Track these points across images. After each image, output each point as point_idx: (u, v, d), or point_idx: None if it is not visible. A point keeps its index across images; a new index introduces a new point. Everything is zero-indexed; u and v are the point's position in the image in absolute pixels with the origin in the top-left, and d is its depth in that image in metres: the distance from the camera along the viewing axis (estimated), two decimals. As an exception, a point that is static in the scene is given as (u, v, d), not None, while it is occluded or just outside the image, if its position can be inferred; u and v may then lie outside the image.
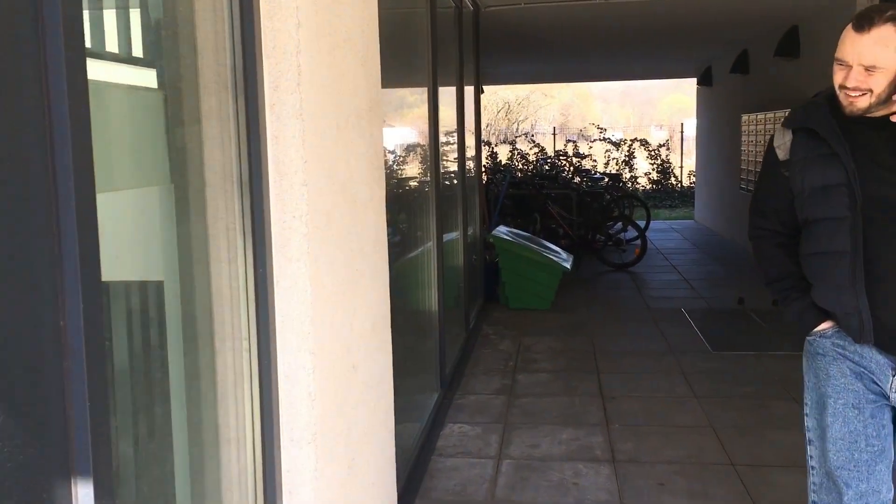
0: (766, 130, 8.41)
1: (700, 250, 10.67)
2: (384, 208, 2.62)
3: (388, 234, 2.76)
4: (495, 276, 7.42)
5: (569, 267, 7.13)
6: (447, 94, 5.68)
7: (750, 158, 9.05)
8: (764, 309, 6.86)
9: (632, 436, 4.16)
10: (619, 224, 10.41)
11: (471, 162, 7.22)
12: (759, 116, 8.72)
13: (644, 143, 18.44)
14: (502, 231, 7.47)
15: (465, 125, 6.46)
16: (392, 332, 2.70)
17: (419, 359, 4.48)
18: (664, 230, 12.77)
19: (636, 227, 9.64)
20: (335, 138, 2.10)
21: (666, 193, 18.06)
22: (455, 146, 6.18)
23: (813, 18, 7.66)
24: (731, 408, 4.51)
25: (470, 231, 6.87)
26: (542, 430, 4.27)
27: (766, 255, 2.32)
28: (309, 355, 1.90)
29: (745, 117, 9.41)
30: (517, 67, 13.16)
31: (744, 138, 9.37)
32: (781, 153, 2.21)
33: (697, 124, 14.07)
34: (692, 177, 18.30)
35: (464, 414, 4.56)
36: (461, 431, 4.30)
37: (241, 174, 1.82)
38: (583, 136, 22.13)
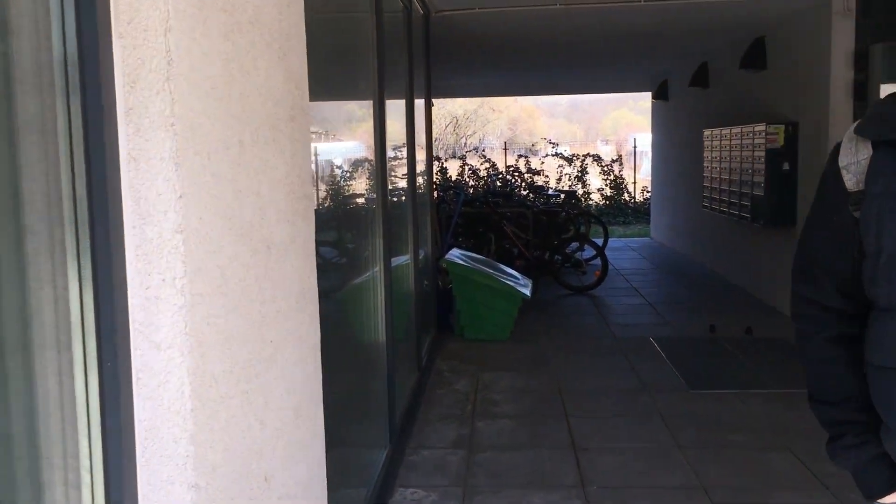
0: (731, 146, 8.01)
1: (661, 270, 10.24)
2: (313, 249, 1.99)
3: (329, 260, 2.15)
4: (449, 304, 6.82)
5: (528, 293, 6.56)
6: (395, 106, 5.08)
7: (713, 175, 8.63)
8: (737, 337, 6.39)
9: (613, 501, 3.58)
10: (576, 243, 9.93)
11: (421, 179, 6.63)
12: (723, 131, 8.31)
13: (597, 158, 18.09)
14: (455, 255, 6.88)
15: (416, 140, 5.87)
16: (332, 376, 2.07)
17: (364, 407, 3.84)
18: (621, 248, 12.34)
19: (594, 245, 9.14)
20: (236, 160, 1.47)
21: (619, 209, 17.72)
22: (404, 162, 5.58)
23: (780, 29, 7.28)
24: (722, 462, 3.97)
25: (421, 255, 6.26)
26: (508, 496, 3.66)
27: (813, 353, 1.46)
28: (188, 490, 1.26)
29: (706, 132, 9.01)
30: (469, 79, 12.65)
31: (706, 154, 8.97)
32: (850, 179, 1.34)
33: (653, 140, 13.73)
34: (646, 192, 18.02)
35: (417, 475, 3.93)
36: (414, 498, 3.67)
37: (76, 217, 1.18)
38: (532, 151, 21.80)
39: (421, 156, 6.55)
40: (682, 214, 11.22)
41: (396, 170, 5.31)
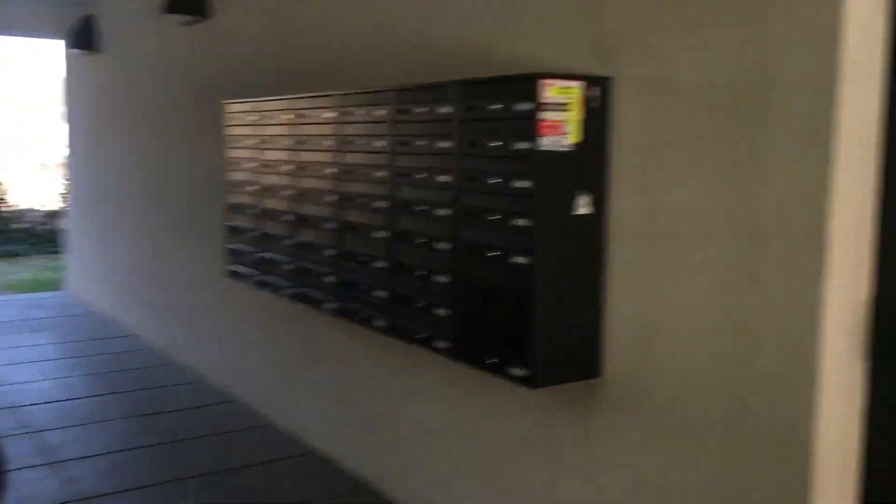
0: (337, 138, 3.16)
1: (134, 404, 4.73)
2: None
3: None
4: None
5: None
6: None
7: (268, 205, 3.66)
8: None
9: None
10: None
11: None
12: (304, 106, 3.41)
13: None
14: None
15: None
16: None
17: None
18: (15, 322, 6.31)
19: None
20: None
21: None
22: None
23: None
24: None
25: None
26: None
27: None
28: None
29: (236, 108, 3.98)
30: None
31: (244, 155, 3.93)
32: None
33: (70, 121, 7.90)
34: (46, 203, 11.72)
35: None
36: None
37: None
38: None
39: None
40: (152, 271, 5.88)
41: None
